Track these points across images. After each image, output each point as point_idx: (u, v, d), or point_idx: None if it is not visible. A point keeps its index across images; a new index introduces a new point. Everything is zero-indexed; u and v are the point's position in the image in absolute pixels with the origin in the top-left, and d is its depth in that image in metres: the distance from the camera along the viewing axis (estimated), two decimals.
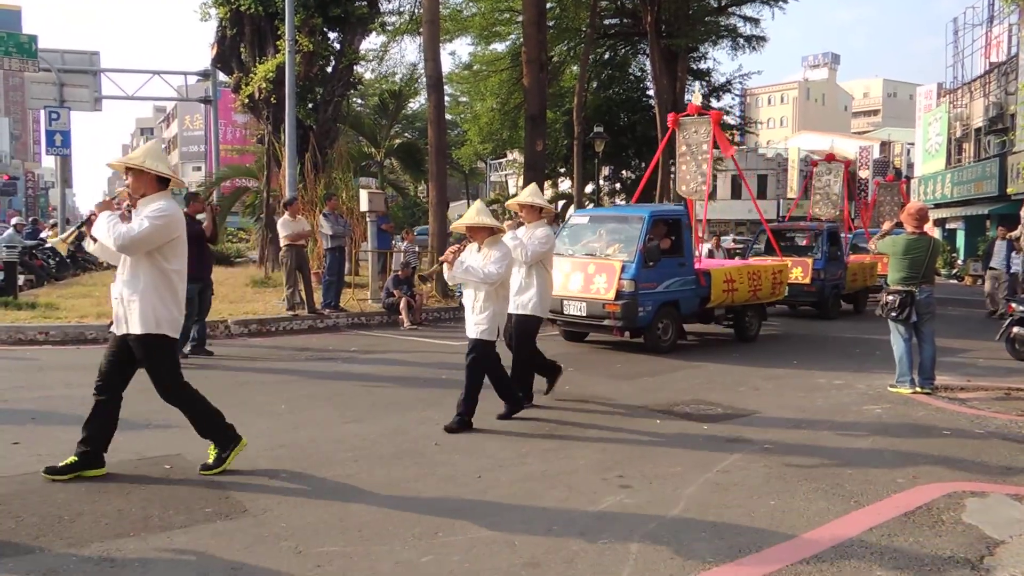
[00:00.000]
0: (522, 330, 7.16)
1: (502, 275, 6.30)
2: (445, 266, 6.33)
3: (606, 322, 10.41)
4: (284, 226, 12.69)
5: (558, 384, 7.73)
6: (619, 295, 10.21)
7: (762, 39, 27.82)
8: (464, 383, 6.43)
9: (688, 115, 13.24)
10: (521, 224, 7.34)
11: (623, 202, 30.12)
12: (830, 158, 19.05)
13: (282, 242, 12.76)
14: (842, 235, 17.12)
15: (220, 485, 4.81)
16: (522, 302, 7.09)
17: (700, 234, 14.03)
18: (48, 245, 18.47)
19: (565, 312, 10.76)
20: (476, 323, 6.42)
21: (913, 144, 49.93)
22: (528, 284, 7.10)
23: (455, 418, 6.35)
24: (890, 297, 8.15)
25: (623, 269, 10.31)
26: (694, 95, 14.15)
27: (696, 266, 11.35)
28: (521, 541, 4.04)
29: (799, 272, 15.20)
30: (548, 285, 7.28)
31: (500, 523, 4.28)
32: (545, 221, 7.37)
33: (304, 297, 12.87)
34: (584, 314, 10.57)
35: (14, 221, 19.66)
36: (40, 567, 3.62)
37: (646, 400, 7.61)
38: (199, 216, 9.78)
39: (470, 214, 6.59)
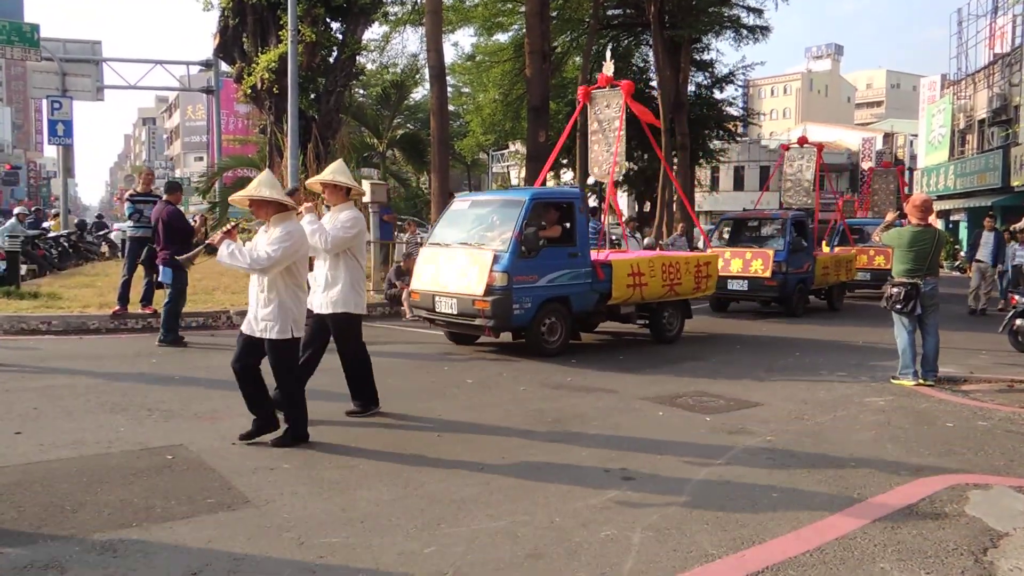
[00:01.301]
0: (339, 332, 6.36)
1: (275, 260, 5.25)
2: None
3: (477, 321, 9.16)
4: None
5: (561, 375, 7.67)
6: (489, 290, 8.99)
7: (765, 29, 27.72)
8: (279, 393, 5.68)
9: (599, 87, 12.13)
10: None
11: (626, 194, 30.03)
12: (802, 141, 17.98)
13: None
14: (811, 224, 15.86)
15: (222, 476, 4.81)
16: (331, 299, 6.24)
17: (607, 223, 13.41)
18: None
19: (437, 310, 9.61)
20: (262, 318, 5.44)
21: (916, 136, 49.75)
22: (336, 278, 6.22)
23: (281, 430, 5.58)
24: (895, 289, 8.13)
25: (495, 260, 9.06)
26: (605, 65, 12.41)
27: (599, 257, 10.27)
28: (524, 532, 4.04)
29: (759, 264, 14.14)
30: (360, 278, 6.38)
31: (503, 514, 4.28)
32: (352, 203, 6.41)
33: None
34: (455, 312, 9.38)
35: (16, 211, 19.65)
36: (42, 557, 3.62)
37: (649, 392, 7.60)
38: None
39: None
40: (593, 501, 4.52)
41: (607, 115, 12.04)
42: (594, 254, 10.46)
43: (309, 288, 6.02)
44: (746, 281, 14.32)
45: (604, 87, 12.10)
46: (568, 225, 9.98)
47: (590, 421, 6.45)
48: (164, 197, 10.03)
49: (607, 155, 11.98)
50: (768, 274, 14.02)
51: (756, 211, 17.70)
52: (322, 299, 6.28)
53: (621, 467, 5.16)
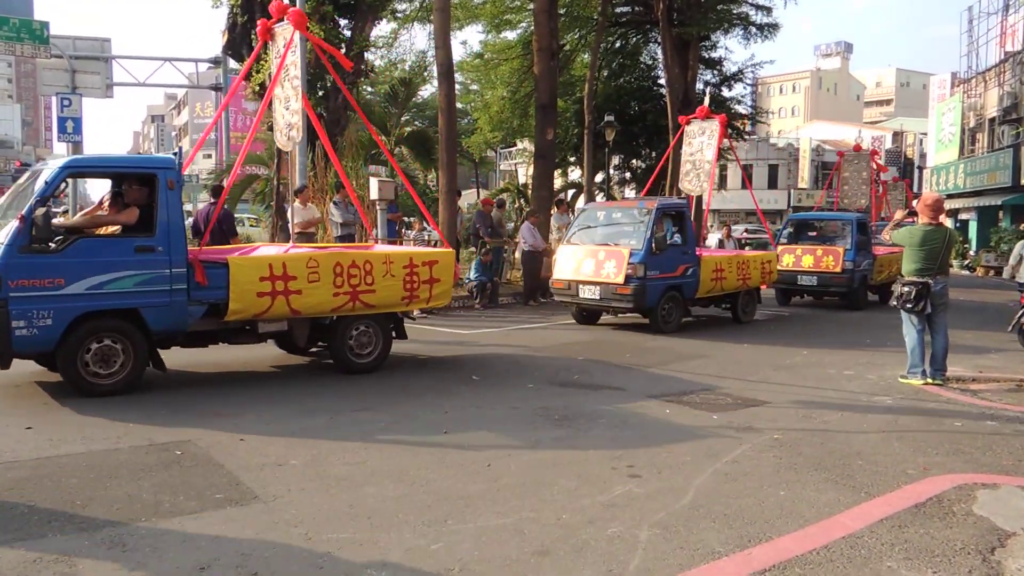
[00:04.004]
0: None
1: None
2: None
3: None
4: (295, 214, 12.72)
5: (568, 372, 7.70)
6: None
7: (774, 27, 27.55)
8: None
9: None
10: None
11: (633, 192, 29.97)
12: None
13: (293, 230, 12.78)
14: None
15: (230, 472, 4.83)
16: None
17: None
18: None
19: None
20: None
21: (926, 134, 49.57)
22: None
23: None
24: (905, 288, 8.09)
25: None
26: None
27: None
28: (530, 529, 4.05)
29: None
30: None
31: (510, 511, 4.29)
32: None
33: None
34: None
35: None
36: (52, 551, 3.65)
37: (656, 389, 7.59)
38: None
39: None
40: (600, 498, 4.52)
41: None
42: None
43: None
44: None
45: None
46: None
47: (597, 418, 6.45)
48: (211, 200, 10.56)
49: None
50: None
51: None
52: None
53: (628, 464, 5.17)
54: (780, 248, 15.79)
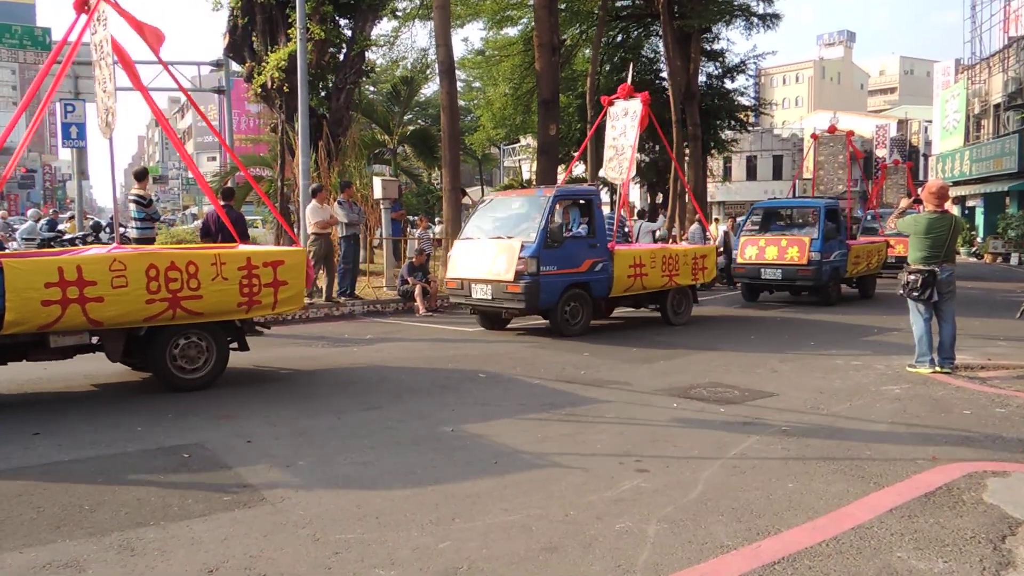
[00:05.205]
0: None
1: None
2: None
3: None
4: (313, 213, 12.83)
5: (574, 368, 7.69)
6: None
7: (776, 17, 27.50)
8: None
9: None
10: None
11: (638, 185, 29.92)
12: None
13: (310, 229, 12.88)
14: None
15: (238, 474, 4.84)
16: None
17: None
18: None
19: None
20: None
21: (931, 122, 49.37)
22: None
23: None
24: (911, 276, 8.06)
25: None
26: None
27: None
28: (538, 526, 4.04)
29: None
30: None
31: (517, 508, 4.28)
32: None
33: (324, 285, 13.04)
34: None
35: (30, 213, 19.83)
36: (61, 556, 3.66)
37: (663, 384, 7.58)
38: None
39: None
40: (608, 494, 4.52)
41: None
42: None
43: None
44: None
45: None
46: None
47: (604, 413, 6.44)
48: (222, 202, 10.86)
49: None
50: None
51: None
52: None
53: (635, 459, 5.15)
54: (743, 239, 14.82)
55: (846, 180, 17.62)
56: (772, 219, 15.96)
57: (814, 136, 18.30)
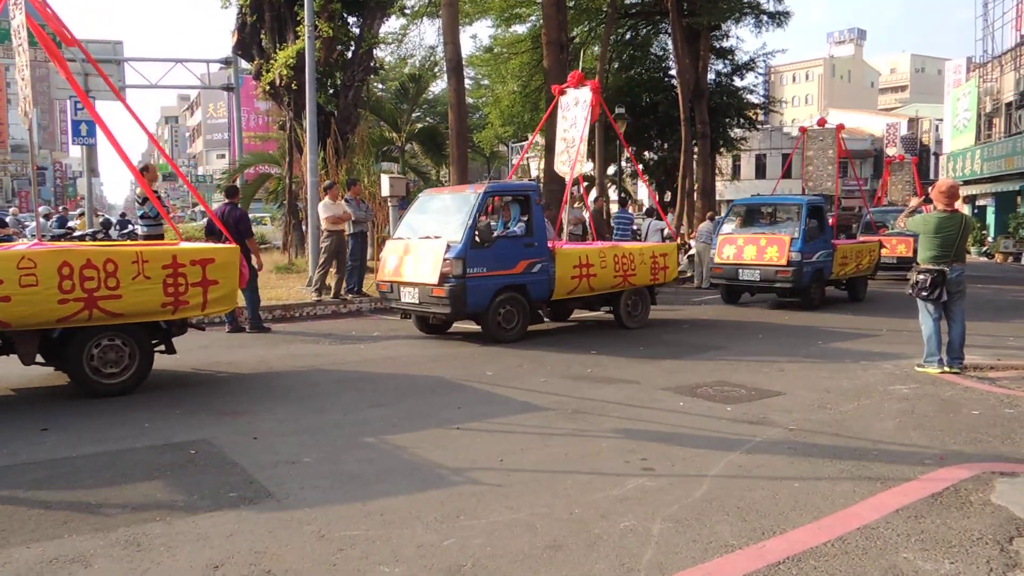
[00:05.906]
0: None
1: None
2: None
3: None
4: (325, 208, 12.93)
5: (581, 366, 7.68)
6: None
7: (786, 15, 27.39)
8: None
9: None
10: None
11: (645, 182, 29.86)
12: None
13: (323, 225, 12.96)
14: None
15: (244, 470, 4.85)
16: None
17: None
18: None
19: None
20: None
21: (942, 120, 49.09)
22: None
23: None
24: (921, 276, 8.02)
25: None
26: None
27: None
28: (543, 524, 4.04)
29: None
30: None
31: (522, 506, 4.28)
32: None
33: (333, 282, 13.11)
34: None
35: (41, 210, 19.93)
36: (68, 551, 3.68)
37: (669, 382, 7.57)
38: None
39: None
40: (613, 492, 4.51)
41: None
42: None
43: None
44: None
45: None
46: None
47: (610, 412, 6.43)
48: (227, 200, 11.17)
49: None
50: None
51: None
52: None
53: (641, 457, 5.15)
54: (721, 238, 14.12)
55: (835, 176, 16.99)
56: (754, 217, 15.20)
57: (802, 129, 17.43)
